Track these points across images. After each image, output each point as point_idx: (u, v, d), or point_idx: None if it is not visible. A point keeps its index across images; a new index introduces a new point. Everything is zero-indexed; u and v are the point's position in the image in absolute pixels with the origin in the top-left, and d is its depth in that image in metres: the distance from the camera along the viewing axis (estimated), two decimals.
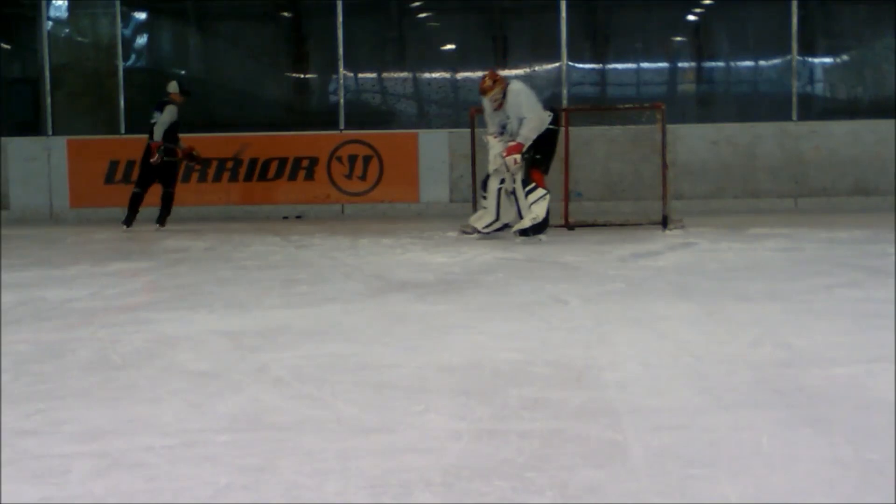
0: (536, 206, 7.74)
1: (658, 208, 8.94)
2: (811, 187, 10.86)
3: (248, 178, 11.47)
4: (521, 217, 7.82)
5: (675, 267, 6.25)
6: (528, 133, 7.80)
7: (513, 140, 7.82)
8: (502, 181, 7.99)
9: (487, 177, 8.13)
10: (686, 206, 10.00)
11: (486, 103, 8.00)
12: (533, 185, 7.82)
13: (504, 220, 8.05)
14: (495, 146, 7.97)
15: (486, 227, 8.08)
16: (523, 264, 6.59)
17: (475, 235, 8.10)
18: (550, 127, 8.05)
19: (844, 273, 5.80)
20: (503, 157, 7.82)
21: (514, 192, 7.88)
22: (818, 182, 10.86)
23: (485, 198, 8.13)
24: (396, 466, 2.34)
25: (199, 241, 8.59)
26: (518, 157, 7.74)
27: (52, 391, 3.19)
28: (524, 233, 7.73)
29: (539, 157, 7.95)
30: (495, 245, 7.57)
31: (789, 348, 3.67)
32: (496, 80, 7.89)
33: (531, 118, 7.83)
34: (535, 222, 7.71)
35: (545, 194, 7.81)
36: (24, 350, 3.86)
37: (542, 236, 7.76)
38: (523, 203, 7.76)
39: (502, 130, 7.93)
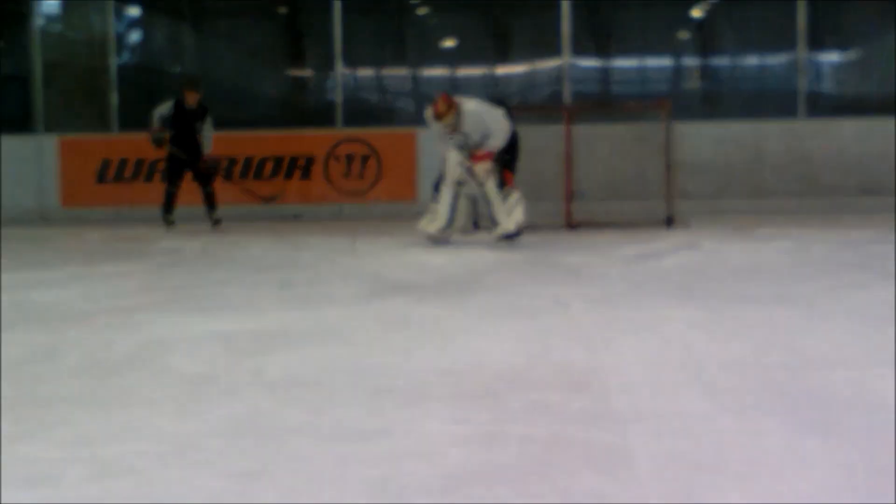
0: (517, 211, 7.63)
1: (662, 208, 8.93)
2: (818, 187, 10.81)
3: (244, 176, 11.44)
4: (494, 222, 7.64)
5: (680, 268, 6.23)
6: (499, 143, 7.70)
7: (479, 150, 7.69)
8: (459, 184, 7.76)
9: (440, 179, 7.91)
10: (691, 206, 9.98)
11: (437, 126, 7.75)
12: (508, 189, 7.71)
13: (455, 225, 7.85)
14: (453, 156, 7.75)
15: (438, 231, 7.78)
16: (525, 266, 6.58)
17: (429, 239, 7.81)
18: (514, 129, 7.99)
19: (851, 275, 5.77)
20: (467, 167, 7.62)
21: (485, 197, 7.72)
22: (825, 181, 10.81)
23: (436, 201, 7.88)
24: (395, 472, 2.32)
25: (194, 241, 8.63)
26: (489, 164, 7.60)
27: (46, 395, 3.17)
28: (509, 236, 7.58)
29: (508, 157, 7.87)
30: (495, 246, 7.54)
31: (796, 351, 3.66)
32: (450, 104, 7.60)
33: (498, 129, 7.71)
34: (519, 226, 7.60)
35: (520, 197, 7.70)
36: (14, 353, 3.82)
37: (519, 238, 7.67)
38: (501, 208, 7.61)
39: (460, 148, 7.75)
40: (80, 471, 2.36)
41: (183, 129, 9.70)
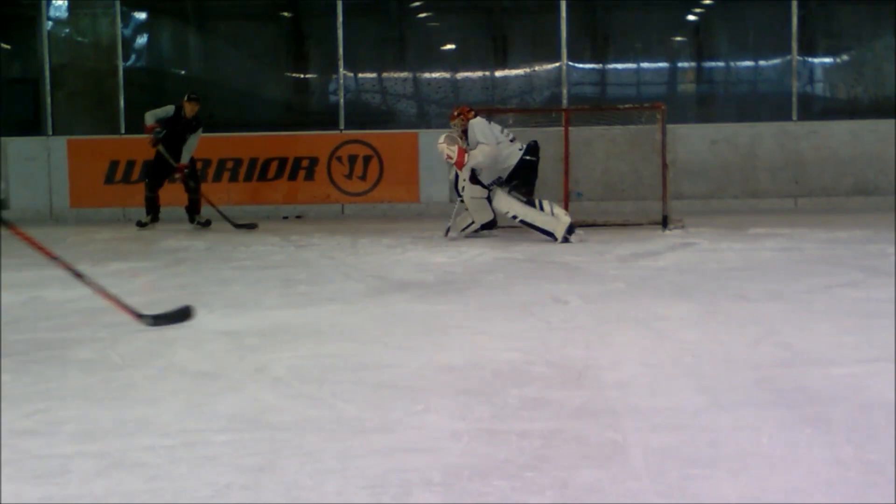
0: (558, 210, 7.92)
1: (658, 208, 8.93)
2: (811, 187, 10.86)
3: (248, 178, 11.49)
4: (550, 233, 7.86)
5: (675, 267, 6.23)
6: (477, 154, 7.99)
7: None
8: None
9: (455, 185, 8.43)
10: (686, 206, 10.00)
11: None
12: (532, 200, 8.00)
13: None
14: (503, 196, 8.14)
15: (464, 228, 8.40)
16: (523, 264, 6.58)
17: (454, 235, 8.33)
18: (527, 158, 8.09)
19: (844, 273, 5.77)
20: (447, 151, 8.08)
21: (522, 222, 8.01)
22: (818, 182, 10.86)
23: (461, 201, 8.39)
24: (396, 466, 2.34)
25: (198, 241, 8.58)
26: (450, 151, 8.03)
27: (52, 391, 3.19)
28: (568, 234, 7.78)
29: (516, 182, 8.06)
30: (495, 245, 7.56)
31: (789, 348, 3.66)
32: (461, 112, 8.29)
33: (484, 144, 7.99)
34: (567, 222, 7.82)
35: (548, 200, 8.05)
36: (24, 350, 3.85)
37: (580, 232, 7.96)
38: (545, 219, 7.86)
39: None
40: (87, 466, 2.38)
41: (173, 135, 9.79)
